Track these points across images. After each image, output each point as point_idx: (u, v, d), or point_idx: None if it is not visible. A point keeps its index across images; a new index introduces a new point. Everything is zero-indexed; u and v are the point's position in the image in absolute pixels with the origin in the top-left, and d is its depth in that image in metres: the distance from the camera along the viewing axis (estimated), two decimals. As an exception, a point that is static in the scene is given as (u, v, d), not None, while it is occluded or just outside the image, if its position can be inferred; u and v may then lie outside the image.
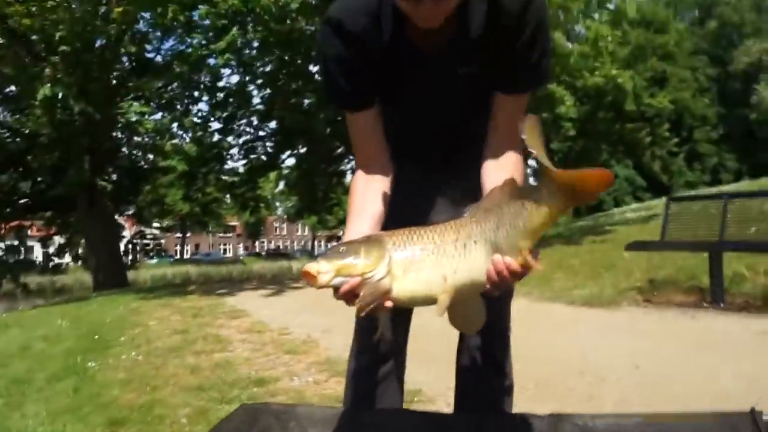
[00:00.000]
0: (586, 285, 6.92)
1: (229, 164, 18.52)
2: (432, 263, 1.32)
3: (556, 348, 4.35)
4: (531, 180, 1.30)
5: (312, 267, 1.28)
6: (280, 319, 6.33)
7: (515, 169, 1.48)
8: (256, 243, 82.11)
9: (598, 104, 17.40)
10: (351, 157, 18.84)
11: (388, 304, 1.28)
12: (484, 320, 1.41)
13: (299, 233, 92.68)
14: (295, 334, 5.34)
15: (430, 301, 1.32)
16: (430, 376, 3.35)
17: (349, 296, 1.27)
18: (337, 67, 1.46)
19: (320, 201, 19.62)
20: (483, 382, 1.74)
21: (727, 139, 45.26)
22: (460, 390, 1.79)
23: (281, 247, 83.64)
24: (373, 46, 1.43)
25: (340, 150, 18.47)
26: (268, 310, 7.28)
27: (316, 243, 79.62)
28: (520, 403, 2.01)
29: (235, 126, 16.89)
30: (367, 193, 1.52)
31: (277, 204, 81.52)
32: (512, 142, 1.49)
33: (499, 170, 1.47)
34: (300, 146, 17.61)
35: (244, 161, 17.86)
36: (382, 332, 1.49)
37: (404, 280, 1.32)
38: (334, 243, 1.38)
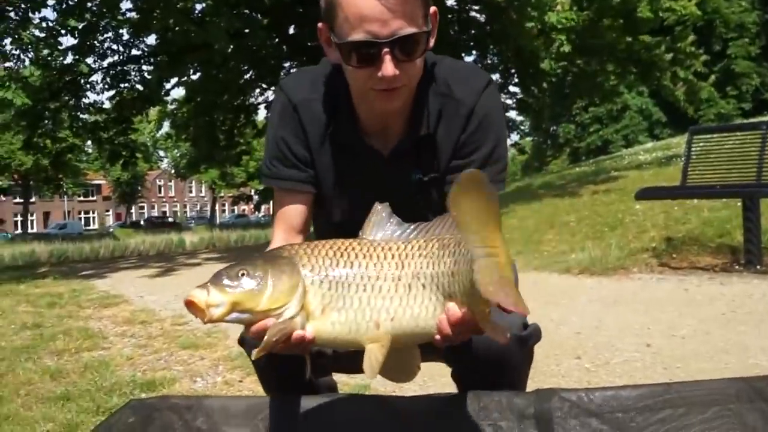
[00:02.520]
0: (585, 247, 7.21)
1: (90, 97, 18.09)
2: (361, 303, 1.37)
3: (547, 327, 4.52)
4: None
5: (198, 296, 1.31)
6: (172, 306, 6.37)
7: None
8: (132, 209, 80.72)
9: (602, 9, 17.65)
10: (264, 85, 18.70)
11: (301, 339, 1.36)
12: (419, 369, 1.47)
13: (193, 194, 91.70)
14: (195, 324, 5.39)
15: (355, 347, 1.39)
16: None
17: (258, 336, 1.35)
18: (284, 145, 1.86)
19: (222, 147, 19.42)
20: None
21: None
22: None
23: (168, 215, 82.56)
24: (323, 140, 1.84)
25: (249, 75, 18.29)
26: (155, 295, 7.31)
27: (217, 207, 78.94)
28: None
29: (96, 42, 16.44)
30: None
31: (161, 154, 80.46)
32: None
33: None
34: (191, 70, 17.31)
35: (111, 92, 17.51)
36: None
37: (322, 320, 1.37)
38: (227, 265, 1.39)
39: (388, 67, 1.61)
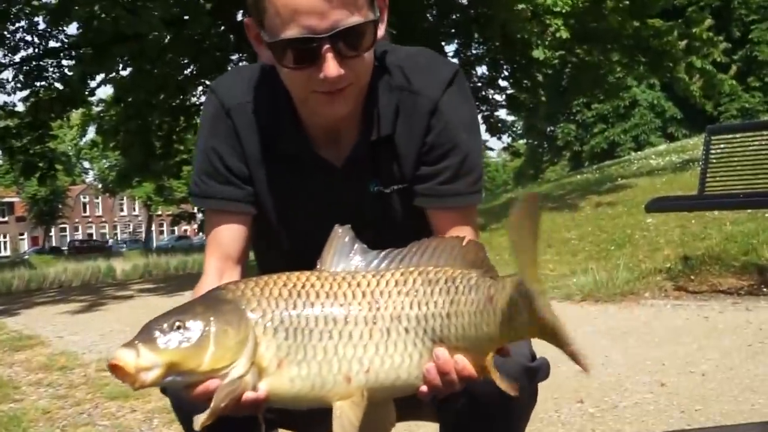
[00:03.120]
0: (588, 270, 7.24)
1: (0, 98, 17.94)
2: (327, 353, 1.34)
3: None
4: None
5: (126, 358, 1.26)
6: (97, 348, 6.31)
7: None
8: (52, 232, 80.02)
9: (605, -12, 17.86)
10: (207, 82, 18.65)
11: (254, 401, 1.33)
12: (393, 425, 1.45)
13: (125, 213, 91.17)
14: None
15: (321, 405, 1.36)
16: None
17: (200, 399, 1.32)
18: (216, 158, 1.82)
19: (159, 156, 19.32)
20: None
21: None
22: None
23: (95, 237, 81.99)
24: (263, 151, 1.81)
25: (189, 70, 18.24)
26: (77, 335, 7.24)
27: (154, 228, 78.50)
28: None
29: (6, 33, 16.34)
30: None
31: (86, 165, 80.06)
32: None
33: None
34: (121, 65, 17.23)
35: (25, 93, 17.39)
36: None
37: (279, 377, 1.33)
38: (159, 316, 1.35)
39: (331, 66, 1.58)
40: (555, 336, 1.32)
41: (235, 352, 1.30)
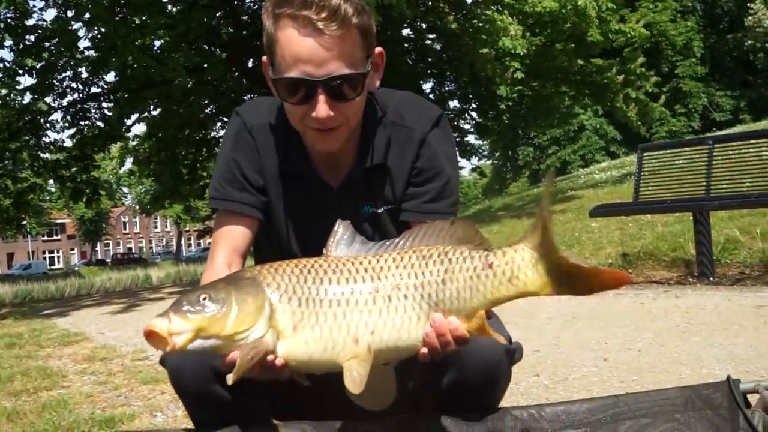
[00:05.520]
0: (543, 267, 7.22)
1: (51, 135, 17.88)
2: (336, 317, 1.33)
3: (505, 346, 4.56)
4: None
5: (160, 325, 1.26)
6: (133, 341, 6.27)
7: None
8: (98, 247, 79.75)
9: (554, 34, 17.93)
10: (225, 118, 18.66)
11: (279, 362, 1.33)
12: (396, 394, 1.45)
13: (158, 230, 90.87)
14: (155, 359, 5.30)
15: (333, 368, 1.34)
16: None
17: (231, 365, 1.31)
18: (236, 167, 1.82)
19: (186, 181, 19.28)
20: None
21: (717, 74, 47.77)
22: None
23: (134, 251, 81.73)
24: (275, 168, 1.81)
25: (209, 109, 18.22)
26: (117, 332, 7.20)
27: (183, 242, 78.28)
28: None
29: (55, 81, 16.29)
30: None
31: (125, 190, 79.78)
32: None
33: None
34: (152, 106, 17.22)
35: (71, 131, 17.31)
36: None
37: (295, 339, 1.32)
38: (187, 290, 1.37)
39: (321, 109, 1.60)
40: (579, 282, 1.35)
41: (254, 316, 1.29)
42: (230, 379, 1.30)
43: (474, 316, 1.37)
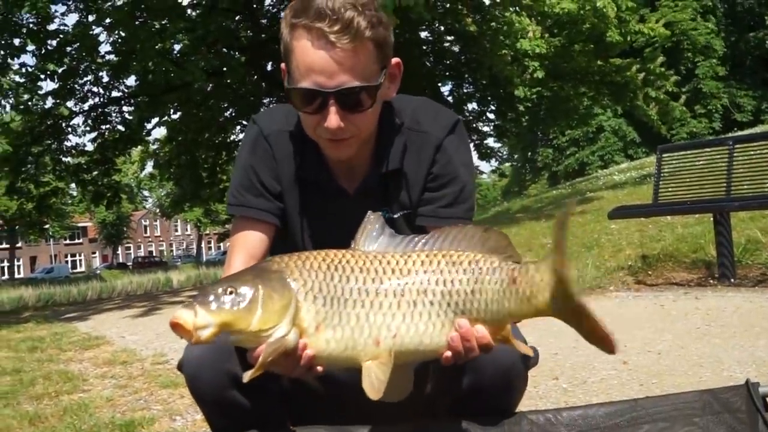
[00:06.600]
0: (562, 268, 7.19)
1: (72, 140, 18.03)
2: (359, 319, 1.32)
3: (524, 349, 4.54)
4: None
5: (185, 317, 1.26)
6: (153, 345, 6.29)
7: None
8: (119, 250, 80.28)
9: (573, 35, 17.86)
10: (244, 122, 18.74)
11: (296, 357, 1.33)
12: (411, 388, 1.43)
13: (179, 233, 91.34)
14: (175, 362, 5.33)
15: (352, 365, 1.34)
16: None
17: (256, 360, 1.32)
18: (253, 174, 1.83)
19: (206, 184, 19.37)
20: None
21: (738, 74, 47.32)
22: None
23: (154, 254, 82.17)
24: (292, 174, 1.82)
25: (229, 112, 18.30)
26: (137, 335, 7.23)
27: (203, 245, 78.64)
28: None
29: (77, 86, 16.43)
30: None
31: (145, 194, 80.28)
32: None
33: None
34: (172, 110, 17.32)
35: (92, 134, 17.45)
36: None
37: (316, 338, 1.32)
38: (215, 282, 1.38)
39: (332, 119, 1.61)
40: (580, 320, 1.37)
41: (280, 315, 1.29)
42: (247, 376, 1.30)
43: (499, 328, 1.37)
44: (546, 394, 3.62)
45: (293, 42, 1.62)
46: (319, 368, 1.38)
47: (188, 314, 1.26)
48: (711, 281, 5.95)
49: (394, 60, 1.74)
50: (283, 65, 1.73)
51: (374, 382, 1.30)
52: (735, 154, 6.20)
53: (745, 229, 6.72)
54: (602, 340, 1.37)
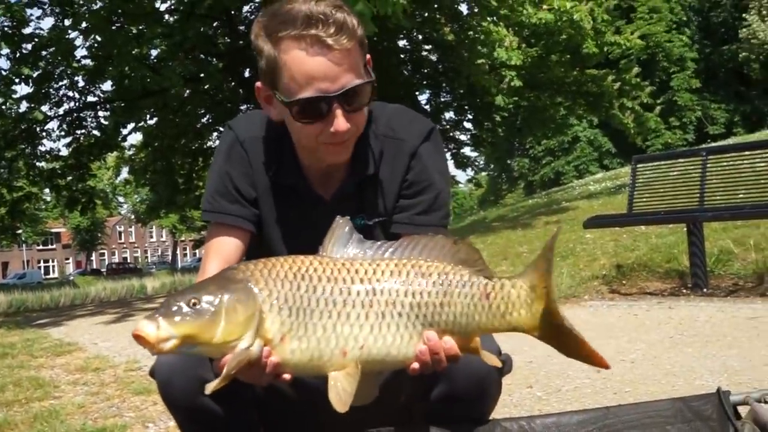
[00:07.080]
0: (537, 278, 7.23)
1: (47, 144, 17.85)
2: (326, 330, 1.31)
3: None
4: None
5: (147, 330, 1.24)
6: (126, 352, 6.23)
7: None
8: (93, 256, 79.55)
9: (549, 46, 18.00)
10: (220, 129, 18.66)
11: (262, 366, 1.32)
12: (377, 393, 1.43)
13: (154, 239, 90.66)
14: (148, 369, 5.29)
15: (319, 375, 1.34)
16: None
17: (220, 371, 1.31)
18: (228, 180, 1.81)
19: (182, 191, 19.25)
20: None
21: (711, 86, 47.90)
22: None
23: (129, 261, 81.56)
24: (267, 180, 1.81)
25: (206, 119, 18.22)
26: (110, 342, 7.16)
27: (178, 252, 78.14)
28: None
29: (52, 90, 16.28)
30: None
31: (120, 200, 79.55)
32: None
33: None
34: (148, 115, 17.21)
35: (67, 139, 17.28)
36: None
37: (282, 349, 1.31)
38: (178, 292, 1.37)
39: (341, 122, 1.61)
40: (562, 338, 1.41)
41: (244, 327, 1.28)
42: (210, 388, 1.29)
43: (468, 340, 1.37)
44: (520, 402, 3.63)
45: (281, 56, 1.61)
46: (286, 376, 1.37)
47: (150, 327, 1.25)
48: (684, 291, 6.00)
49: (367, 56, 1.74)
50: (259, 84, 1.71)
51: (341, 394, 1.30)
52: (708, 166, 6.27)
53: (718, 239, 6.80)
54: (590, 357, 1.38)
